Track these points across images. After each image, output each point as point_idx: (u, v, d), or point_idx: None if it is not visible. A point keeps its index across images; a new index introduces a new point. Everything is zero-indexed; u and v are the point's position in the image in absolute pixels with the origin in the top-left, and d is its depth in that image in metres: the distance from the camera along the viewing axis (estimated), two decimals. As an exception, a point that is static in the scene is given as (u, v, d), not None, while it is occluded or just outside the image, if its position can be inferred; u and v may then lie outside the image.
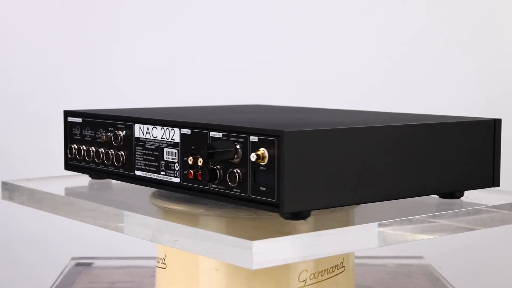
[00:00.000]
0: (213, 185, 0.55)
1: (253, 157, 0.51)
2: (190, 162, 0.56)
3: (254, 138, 0.52)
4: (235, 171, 0.53)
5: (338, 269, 0.62)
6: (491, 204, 0.61)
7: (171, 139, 0.59)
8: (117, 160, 0.64)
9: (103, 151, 0.65)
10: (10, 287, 1.20)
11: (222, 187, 0.54)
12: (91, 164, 0.67)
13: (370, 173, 0.54)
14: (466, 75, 1.18)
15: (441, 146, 0.58)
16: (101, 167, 0.66)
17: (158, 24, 1.19)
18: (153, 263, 0.67)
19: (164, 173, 0.60)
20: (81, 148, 0.68)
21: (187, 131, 0.58)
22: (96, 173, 0.68)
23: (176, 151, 0.59)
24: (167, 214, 0.59)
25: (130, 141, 0.63)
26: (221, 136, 0.55)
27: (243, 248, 0.48)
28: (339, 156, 0.53)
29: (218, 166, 0.54)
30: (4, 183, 0.74)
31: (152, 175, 0.61)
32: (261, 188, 0.52)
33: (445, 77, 1.18)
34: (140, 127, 0.63)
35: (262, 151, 0.51)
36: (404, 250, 1.00)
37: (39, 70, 1.18)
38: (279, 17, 1.19)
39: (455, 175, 0.59)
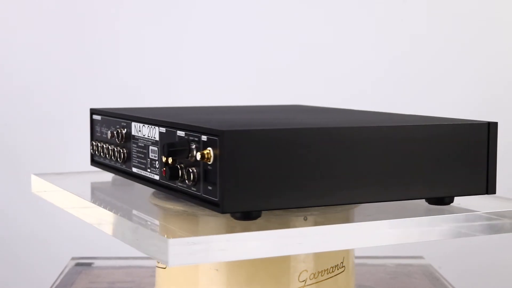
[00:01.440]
0: (180, 184, 0.56)
1: (198, 156, 0.52)
2: (163, 160, 0.57)
3: (204, 138, 0.52)
4: (191, 170, 0.53)
5: (338, 269, 0.62)
6: (480, 211, 0.58)
7: (153, 137, 0.60)
8: (120, 157, 0.65)
9: (110, 148, 0.67)
10: (10, 287, 1.20)
11: (184, 186, 0.55)
12: (105, 160, 0.69)
13: (330, 175, 0.53)
14: (467, 75, 1.18)
15: (426, 149, 0.56)
16: (111, 163, 0.68)
17: (158, 23, 1.19)
18: (153, 263, 0.67)
19: (149, 170, 0.61)
20: (99, 145, 0.69)
21: (163, 130, 0.58)
22: (109, 170, 0.69)
23: (156, 149, 0.59)
24: (164, 212, 0.59)
25: (129, 139, 0.65)
26: (183, 135, 0.55)
27: (161, 245, 0.49)
28: (289, 157, 0.51)
29: (182, 165, 0.54)
30: (36, 175, 0.76)
31: (142, 173, 0.62)
32: (209, 187, 0.52)
33: (445, 77, 1.18)
34: (135, 125, 0.64)
35: (208, 150, 0.51)
36: (404, 250, 1.00)
37: (41, 69, 1.19)
38: (279, 16, 1.19)
39: (443, 180, 0.56)
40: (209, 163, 0.51)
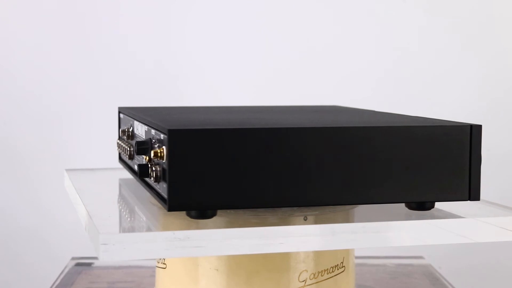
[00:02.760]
0: (150, 181, 0.57)
1: (152, 154, 0.52)
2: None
3: (162, 136, 0.53)
4: (154, 168, 0.54)
5: (338, 269, 0.62)
6: (459, 218, 0.56)
7: (141, 135, 0.62)
8: (128, 154, 0.66)
9: (122, 145, 0.68)
10: (10, 287, 1.20)
11: (152, 183, 0.56)
12: (123, 158, 0.71)
13: (287, 175, 0.52)
14: (467, 75, 1.18)
15: (404, 151, 0.54)
16: (125, 160, 0.70)
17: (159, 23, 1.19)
18: (153, 263, 0.67)
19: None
20: (118, 142, 0.70)
21: (146, 128, 0.60)
22: (126, 167, 0.71)
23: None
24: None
25: (133, 137, 0.66)
26: (153, 133, 0.56)
27: (96, 239, 0.50)
28: (238, 157, 0.51)
29: (153, 163, 0.55)
30: (68, 171, 0.77)
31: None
32: (164, 185, 0.52)
33: (445, 77, 1.18)
34: (136, 124, 0.65)
35: (161, 149, 0.52)
36: (404, 250, 1.00)
37: (43, 68, 1.19)
38: (278, 16, 1.19)
39: (422, 185, 0.55)
40: (163, 161, 0.52)
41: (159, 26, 1.19)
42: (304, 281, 0.60)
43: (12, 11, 1.18)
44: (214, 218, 0.53)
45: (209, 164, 0.51)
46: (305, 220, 0.58)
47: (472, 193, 0.56)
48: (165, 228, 0.54)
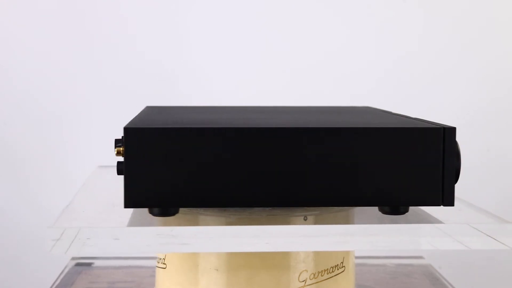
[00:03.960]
0: None
1: (115, 152, 0.53)
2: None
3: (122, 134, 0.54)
4: (120, 165, 0.54)
5: (338, 269, 0.62)
6: (429, 223, 0.55)
7: None
8: None
9: None
10: (10, 287, 1.20)
11: None
12: None
13: (248, 175, 0.52)
14: (467, 76, 1.18)
15: (374, 153, 0.53)
16: None
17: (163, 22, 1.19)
18: (153, 263, 0.67)
19: None
20: None
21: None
22: None
23: None
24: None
25: None
26: None
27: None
28: (193, 157, 0.52)
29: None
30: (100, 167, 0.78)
31: None
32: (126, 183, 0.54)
33: (445, 77, 1.18)
34: None
35: (123, 147, 0.53)
36: (403, 250, 1.00)
37: (43, 69, 1.19)
38: (278, 16, 1.19)
39: (392, 188, 0.53)
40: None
41: (158, 26, 1.19)
42: (304, 281, 0.60)
43: (12, 11, 1.18)
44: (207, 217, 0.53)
45: (165, 163, 0.52)
46: (305, 220, 0.58)
47: (445, 198, 0.54)
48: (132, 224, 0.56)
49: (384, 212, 0.55)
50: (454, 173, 0.54)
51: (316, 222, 0.59)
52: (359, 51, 1.18)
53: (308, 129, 0.53)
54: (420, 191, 0.53)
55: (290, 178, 0.53)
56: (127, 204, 0.53)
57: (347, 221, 0.61)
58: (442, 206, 0.54)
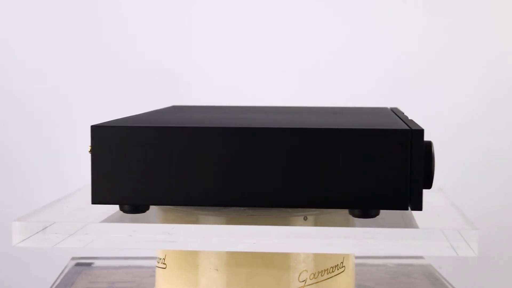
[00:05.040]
0: None
1: (88, 149, 0.55)
2: None
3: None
4: None
5: (338, 269, 0.62)
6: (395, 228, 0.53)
7: None
8: None
9: None
10: (10, 287, 1.20)
11: None
12: None
13: (212, 175, 0.53)
14: (467, 76, 1.18)
15: (339, 155, 0.52)
16: None
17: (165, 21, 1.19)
18: (153, 263, 0.67)
19: None
20: None
21: None
22: None
23: None
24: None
25: None
26: None
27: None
28: (159, 155, 0.53)
29: None
30: None
31: None
32: None
33: (445, 78, 1.18)
34: None
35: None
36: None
37: (43, 70, 1.19)
38: (278, 16, 1.19)
39: (359, 192, 0.52)
40: None
41: (158, 26, 1.19)
42: (304, 281, 0.60)
43: (12, 11, 1.18)
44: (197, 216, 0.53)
45: (129, 160, 0.53)
46: (305, 220, 0.58)
47: (413, 202, 0.52)
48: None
49: (354, 215, 0.54)
50: (422, 177, 0.52)
51: (316, 222, 0.58)
52: (359, 51, 1.18)
53: (274, 129, 0.53)
54: (387, 194, 0.52)
55: (260, 179, 0.52)
56: (94, 201, 0.54)
57: (347, 220, 0.61)
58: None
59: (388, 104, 1.15)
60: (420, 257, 0.95)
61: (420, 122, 0.62)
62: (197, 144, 0.53)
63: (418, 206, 0.52)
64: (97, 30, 1.19)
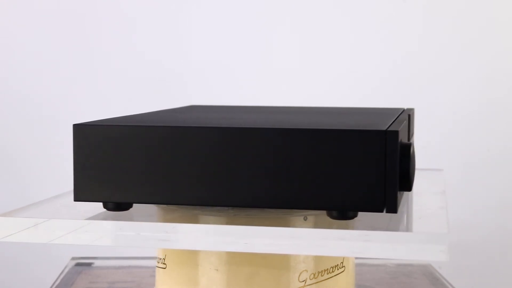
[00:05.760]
0: None
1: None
2: None
3: None
4: None
5: (338, 269, 0.62)
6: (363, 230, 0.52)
7: None
8: None
9: None
10: (10, 287, 1.20)
11: None
12: None
13: (192, 175, 0.53)
14: (467, 76, 1.18)
15: (311, 155, 0.51)
16: None
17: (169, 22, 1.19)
18: (153, 263, 0.67)
19: None
20: None
21: None
22: None
23: None
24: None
25: None
26: None
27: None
28: (136, 154, 0.54)
29: None
30: None
31: None
32: None
33: (445, 77, 1.18)
34: None
35: None
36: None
37: (42, 71, 1.19)
38: (278, 16, 1.19)
39: (335, 193, 0.51)
40: None
41: (158, 26, 1.19)
42: (304, 281, 0.60)
43: (12, 11, 1.18)
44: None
45: (110, 159, 0.54)
46: (305, 220, 0.58)
47: (388, 204, 0.50)
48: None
49: (332, 217, 0.53)
50: (397, 179, 0.50)
51: (316, 222, 0.58)
52: (358, 51, 1.18)
53: (248, 129, 0.53)
54: (362, 196, 0.50)
55: (237, 179, 0.52)
56: (77, 198, 0.55)
57: (360, 222, 0.60)
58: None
59: (387, 104, 1.15)
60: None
61: (420, 121, 0.62)
62: (177, 144, 0.53)
63: (393, 209, 0.50)
64: (97, 31, 1.19)
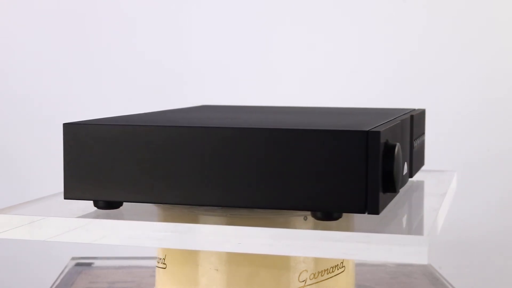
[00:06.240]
0: None
1: None
2: None
3: None
4: None
5: (338, 269, 0.62)
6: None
7: None
8: None
9: None
10: (10, 287, 1.20)
11: None
12: None
13: (169, 174, 0.53)
14: (467, 76, 1.18)
15: (293, 156, 0.51)
16: None
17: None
18: (153, 263, 0.67)
19: None
20: None
21: None
22: None
23: None
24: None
25: None
26: None
27: None
28: (123, 153, 0.54)
29: None
30: None
31: None
32: None
33: (445, 77, 1.18)
34: None
35: None
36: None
37: (42, 71, 1.19)
38: (279, 16, 1.19)
39: (316, 194, 0.50)
40: None
41: (158, 26, 1.19)
42: (304, 281, 0.60)
43: (12, 11, 1.18)
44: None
45: (99, 158, 0.55)
46: (305, 220, 0.58)
47: (369, 206, 0.50)
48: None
49: (317, 218, 0.52)
50: (379, 180, 0.50)
51: (315, 223, 0.58)
52: (358, 51, 1.19)
53: (228, 129, 0.53)
54: (344, 197, 0.50)
55: (220, 179, 0.52)
56: (66, 196, 0.56)
57: (347, 223, 0.61)
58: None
59: (387, 104, 1.15)
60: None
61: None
62: (165, 143, 0.54)
63: (374, 210, 0.50)
64: (97, 31, 1.19)
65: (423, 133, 0.75)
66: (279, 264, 0.60)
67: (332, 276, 0.62)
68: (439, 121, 1.16)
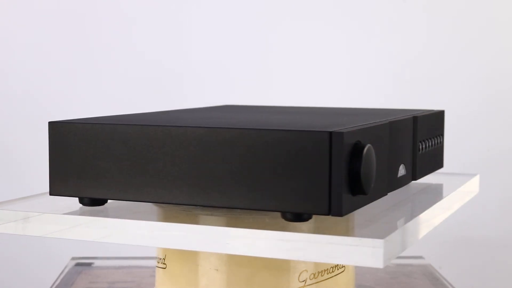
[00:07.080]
0: None
1: None
2: None
3: None
4: None
5: (338, 269, 0.62)
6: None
7: None
8: None
9: None
10: (10, 287, 1.20)
11: None
12: None
13: (152, 173, 0.54)
14: (467, 76, 1.18)
15: (254, 156, 0.51)
16: None
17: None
18: (153, 263, 0.67)
19: None
20: None
21: None
22: None
23: None
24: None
25: None
26: None
27: None
28: (106, 151, 0.55)
29: None
30: None
31: None
32: None
33: (445, 77, 1.19)
34: None
35: None
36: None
37: (41, 71, 1.19)
38: (281, 16, 1.19)
39: (280, 194, 0.50)
40: None
41: (158, 26, 1.19)
42: (304, 281, 0.60)
43: (12, 11, 1.18)
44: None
45: (83, 156, 0.56)
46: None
47: (332, 207, 0.49)
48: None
49: (286, 218, 0.51)
50: (343, 182, 0.49)
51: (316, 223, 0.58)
52: (358, 51, 1.19)
53: (200, 128, 0.53)
54: (308, 198, 0.49)
55: (194, 179, 0.53)
56: (52, 192, 0.57)
57: (347, 222, 0.61)
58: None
59: (387, 103, 1.15)
60: (420, 257, 0.95)
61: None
62: (148, 142, 0.54)
63: (338, 212, 0.49)
64: (97, 31, 1.19)
65: (438, 135, 0.73)
66: (279, 264, 0.60)
67: (332, 276, 0.62)
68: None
